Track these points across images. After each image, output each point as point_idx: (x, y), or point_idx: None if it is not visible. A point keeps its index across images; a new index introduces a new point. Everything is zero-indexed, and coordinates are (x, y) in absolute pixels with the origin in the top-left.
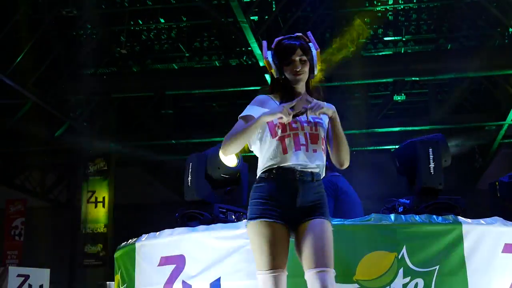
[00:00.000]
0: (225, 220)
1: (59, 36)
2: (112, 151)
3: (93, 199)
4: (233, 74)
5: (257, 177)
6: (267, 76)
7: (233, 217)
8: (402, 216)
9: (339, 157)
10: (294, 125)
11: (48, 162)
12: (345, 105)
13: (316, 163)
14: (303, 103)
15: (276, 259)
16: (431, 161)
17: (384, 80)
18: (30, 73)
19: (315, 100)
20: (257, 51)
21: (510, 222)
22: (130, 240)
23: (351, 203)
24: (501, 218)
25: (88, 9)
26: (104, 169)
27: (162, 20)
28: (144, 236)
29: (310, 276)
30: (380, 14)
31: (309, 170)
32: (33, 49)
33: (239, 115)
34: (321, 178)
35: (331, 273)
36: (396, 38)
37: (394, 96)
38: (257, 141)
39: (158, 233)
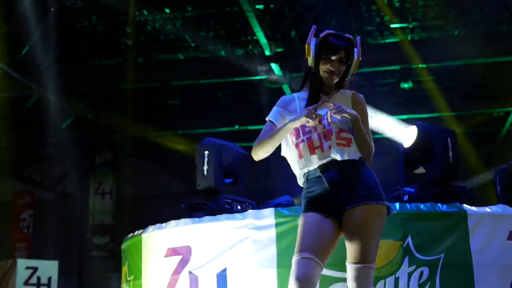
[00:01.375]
0: (231, 211)
1: (64, 28)
2: (119, 142)
3: (100, 190)
4: (239, 64)
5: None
6: (273, 65)
7: (239, 207)
8: (407, 204)
9: (362, 151)
10: (306, 129)
11: (55, 154)
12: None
13: (335, 156)
14: (326, 105)
15: (305, 243)
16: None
17: (391, 68)
18: (36, 65)
19: (337, 104)
20: (262, 40)
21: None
22: (136, 232)
23: None
24: (507, 206)
25: (92, 1)
26: (111, 160)
27: (167, 10)
28: (151, 227)
29: (349, 269)
30: (386, 1)
31: (332, 158)
32: (39, 41)
33: (266, 117)
34: (358, 161)
35: (367, 269)
36: (402, 25)
37: (401, 84)
38: (284, 148)
39: (164, 224)
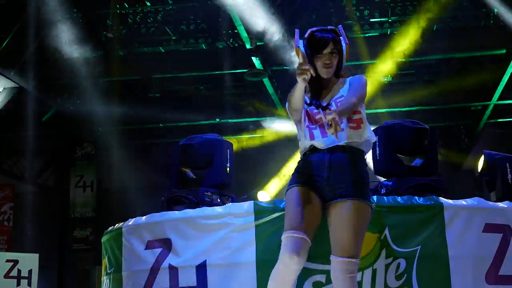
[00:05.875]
0: (211, 204)
1: (45, 20)
2: (99, 135)
3: (81, 183)
4: (220, 57)
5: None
6: (254, 59)
7: (219, 200)
8: (385, 197)
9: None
10: (317, 117)
11: (35, 147)
12: None
13: (344, 142)
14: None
15: (295, 220)
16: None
17: (370, 62)
18: (16, 57)
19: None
20: (243, 33)
21: (491, 202)
22: (117, 224)
23: None
24: (482, 199)
25: None
26: (92, 153)
27: (148, 3)
28: (131, 220)
29: (332, 261)
30: None
31: (340, 149)
32: (19, 33)
33: None
34: (361, 154)
35: (346, 261)
36: (382, 19)
37: (380, 78)
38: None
39: (144, 217)
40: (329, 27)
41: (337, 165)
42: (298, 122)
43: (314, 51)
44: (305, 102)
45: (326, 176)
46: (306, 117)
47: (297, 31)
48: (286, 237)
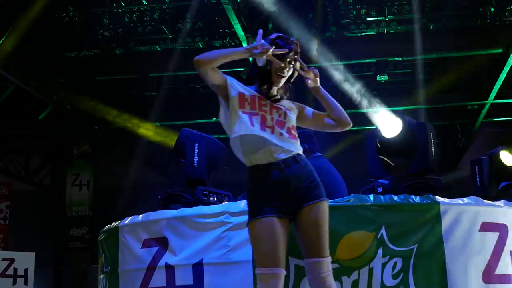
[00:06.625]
0: (207, 202)
1: (41, 19)
2: (96, 134)
3: (77, 182)
4: None
5: (247, 172)
6: (251, 59)
7: (215, 199)
8: (381, 196)
9: (340, 117)
10: (264, 107)
11: (32, 146)
12: (327, 85)
13: (288, 148)
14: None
15: (274, 256)
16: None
17: (367, 61)
18: (12, 56)
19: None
20: (240, 32)
21: (487, 201)
22: (113, 223)
23: (335, 183)
24: (479, 198)
25: None
26: (88, 151)
27: (145, 2)
28: (127, 219)
29: (307, 264)
30: None
31: (290, 154)
32: (15, 32)
33: None
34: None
35: (326, 261)
36: (379, 18)
37: (377, 77)
38: (225, 112)
39: (141, 215)
40: (293, 39)
41: (294, 176)
42: (217, 87)
43: (276, 56)
44: (245, 91)
45: (288, 192)
46: (249, 104)
47: (260, 31)
48: (268, 275)
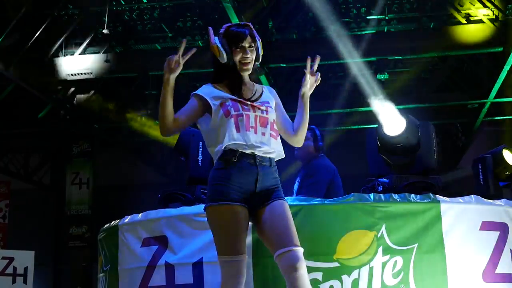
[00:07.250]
0: None
1: (40, 17)
2: (96, 132)
3: (77, 180)
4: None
5: (215, 160)
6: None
7: None
8: (381, 195)
9: (301, 131)
10: (246, 107)
11: (31, 144)
12: (327, 84)
13: (270, 147)
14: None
15: (239, 244)
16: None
17: (367, 59)
18: (12, 54)
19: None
20: None
21: (488, 200)
22: (113, 222)
23: (340, 185)
24: (479, 196)
25: None
26: (88, 150)
27: (145, 0)
28: (127, 218)
29: (281, 256)
30: None
31: (267, 155)
32: (15, 30)
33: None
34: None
35: (302, 250)
36: (379, 17)
37: (377, 75)
38: (206, 119)
39: (140, 214)
40: (242, 23)
41: (263, 176)
42: (202, 115)
43: (233, 46)
44: (224, 97)
45: (255, 184)
46: (232, 107)
47: (210, 29)
48: (232, 261)
